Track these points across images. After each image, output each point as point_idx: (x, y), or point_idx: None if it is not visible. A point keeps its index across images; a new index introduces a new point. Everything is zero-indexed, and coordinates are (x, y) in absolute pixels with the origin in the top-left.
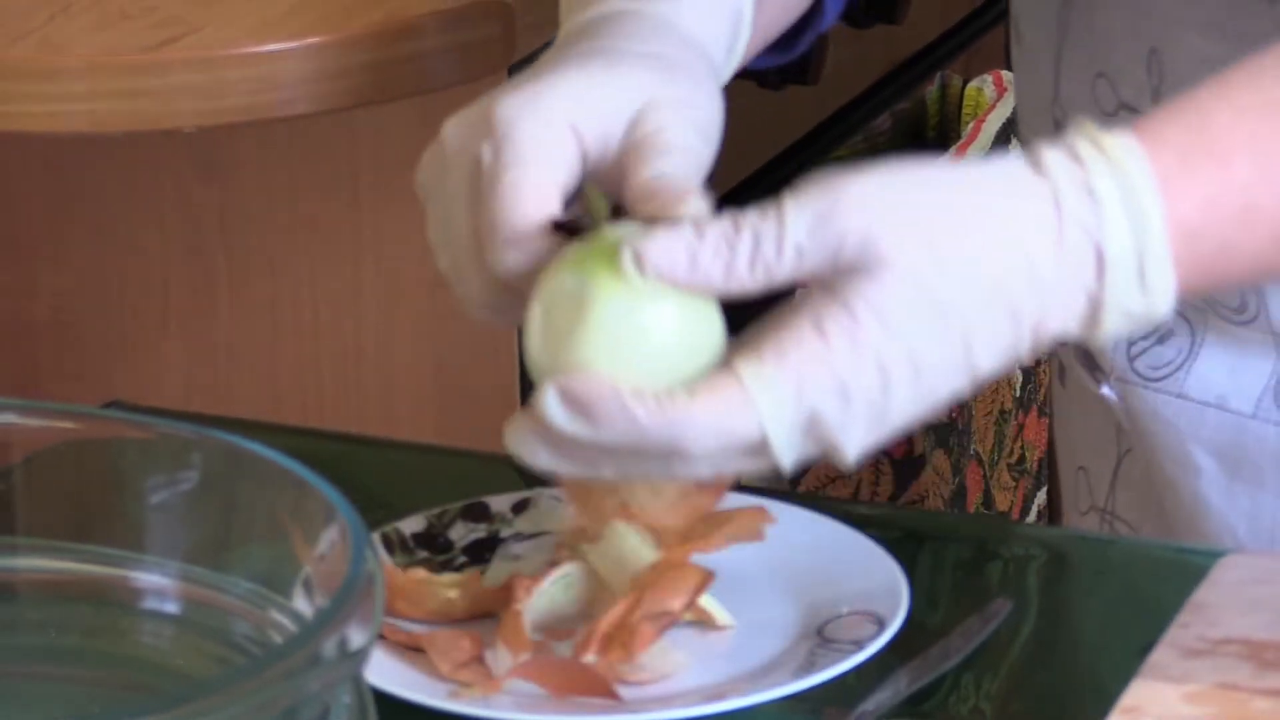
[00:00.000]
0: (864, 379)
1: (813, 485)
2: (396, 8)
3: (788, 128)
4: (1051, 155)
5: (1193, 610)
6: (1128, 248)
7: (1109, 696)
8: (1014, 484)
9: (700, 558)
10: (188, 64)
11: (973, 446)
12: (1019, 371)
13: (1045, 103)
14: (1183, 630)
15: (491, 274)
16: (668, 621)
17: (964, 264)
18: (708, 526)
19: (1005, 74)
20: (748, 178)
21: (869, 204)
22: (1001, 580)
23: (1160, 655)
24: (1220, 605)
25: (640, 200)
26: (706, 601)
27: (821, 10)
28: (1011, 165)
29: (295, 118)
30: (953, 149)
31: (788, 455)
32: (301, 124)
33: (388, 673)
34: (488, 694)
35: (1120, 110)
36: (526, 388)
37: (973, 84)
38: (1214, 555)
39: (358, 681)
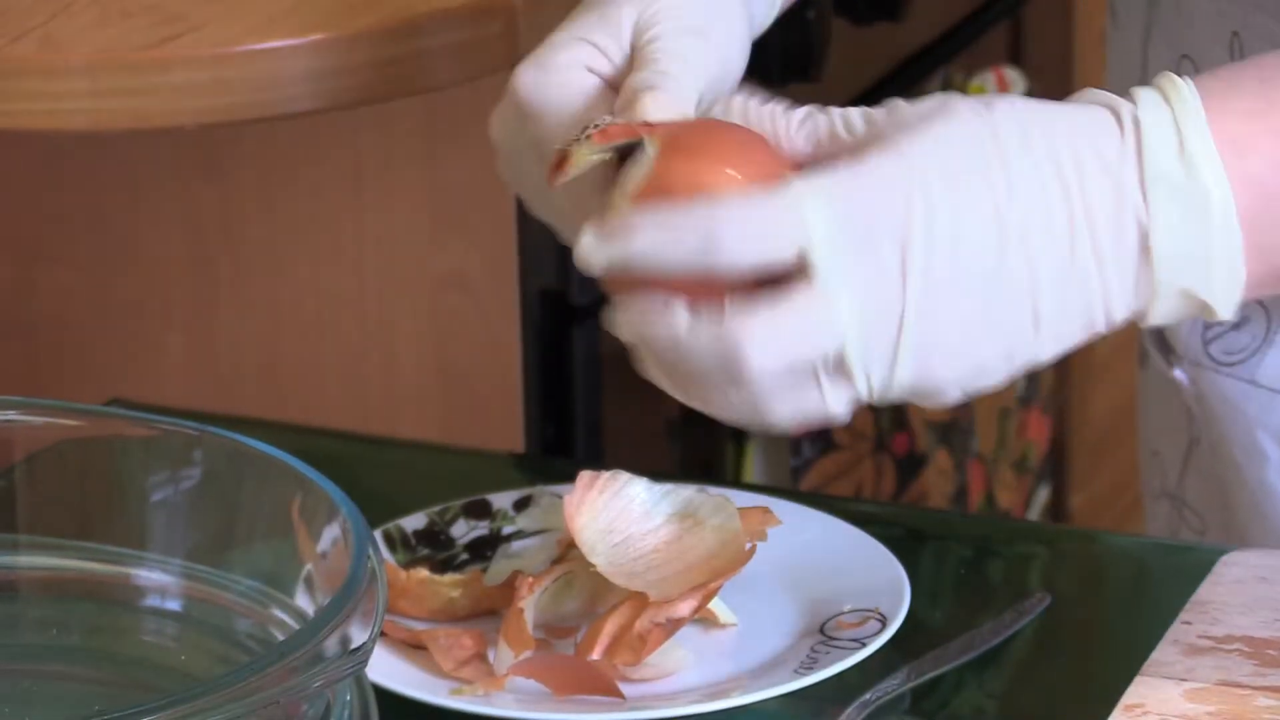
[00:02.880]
0: (928, 204)
1: (815, 484)
2: (399, 6)
3: None
4: (1118, 102)
5: (1195, 608)
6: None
7: (1111, 694)
8: (1016, 482)
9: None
10: (189, 62)
11: (975, 445)
12: None
13: (1134, 82)
14: (1185, 628)
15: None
16: (675, 626)
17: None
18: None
19: (1007, 71)
20: None
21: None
22: (1003, 578)
23: (1162, 653)
24: (1222, 603)
25: (620, 109)
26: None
27: None
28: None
29: (297, 116)
30: None
31: (860, 368)
32: (304, 122)
33: (390, 670)
34: (489, 691)
35: None
36: (528, 385)
37: (975, 81)
38: (1216, 553)
39: (360, 679)
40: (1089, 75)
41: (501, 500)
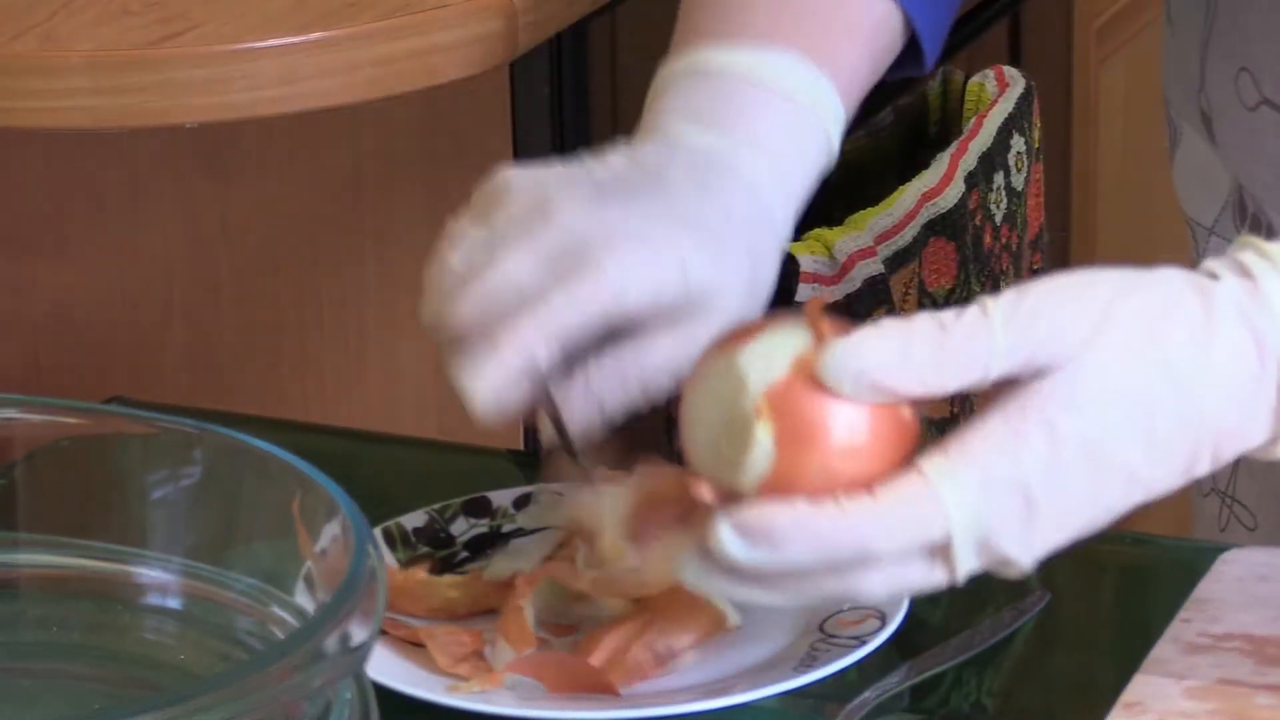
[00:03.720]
0: (1050, 476)
1: None
2: (399, 4)
3: None
4: (1219, 267)
5: (1195, 606)
6: None
7: (1111, 692)
8: None
9: None
10: (189, 59)
11: None
12: None
13: (1193, 92)
14: (1185, 626)
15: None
16: (670, 658)
17: (1157, 364)
18: None
19: (1007, 69)
20: None
21: (1066, 309)
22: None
23: (1162, 651)
24: (1222, 601)
25: None
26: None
27: (918, 56)
28: (1178, 276)
29: (297, 113)
30: (954, 144)
31: (966, 558)
32: (304, 119)
33: (389, 668)
34: (486, 688)
35: (1261, 105)
36: None
37: (975, 79)
38: (1216, 551)
39: (360, 677)
40: (1088, 74)
41: (501, 498)
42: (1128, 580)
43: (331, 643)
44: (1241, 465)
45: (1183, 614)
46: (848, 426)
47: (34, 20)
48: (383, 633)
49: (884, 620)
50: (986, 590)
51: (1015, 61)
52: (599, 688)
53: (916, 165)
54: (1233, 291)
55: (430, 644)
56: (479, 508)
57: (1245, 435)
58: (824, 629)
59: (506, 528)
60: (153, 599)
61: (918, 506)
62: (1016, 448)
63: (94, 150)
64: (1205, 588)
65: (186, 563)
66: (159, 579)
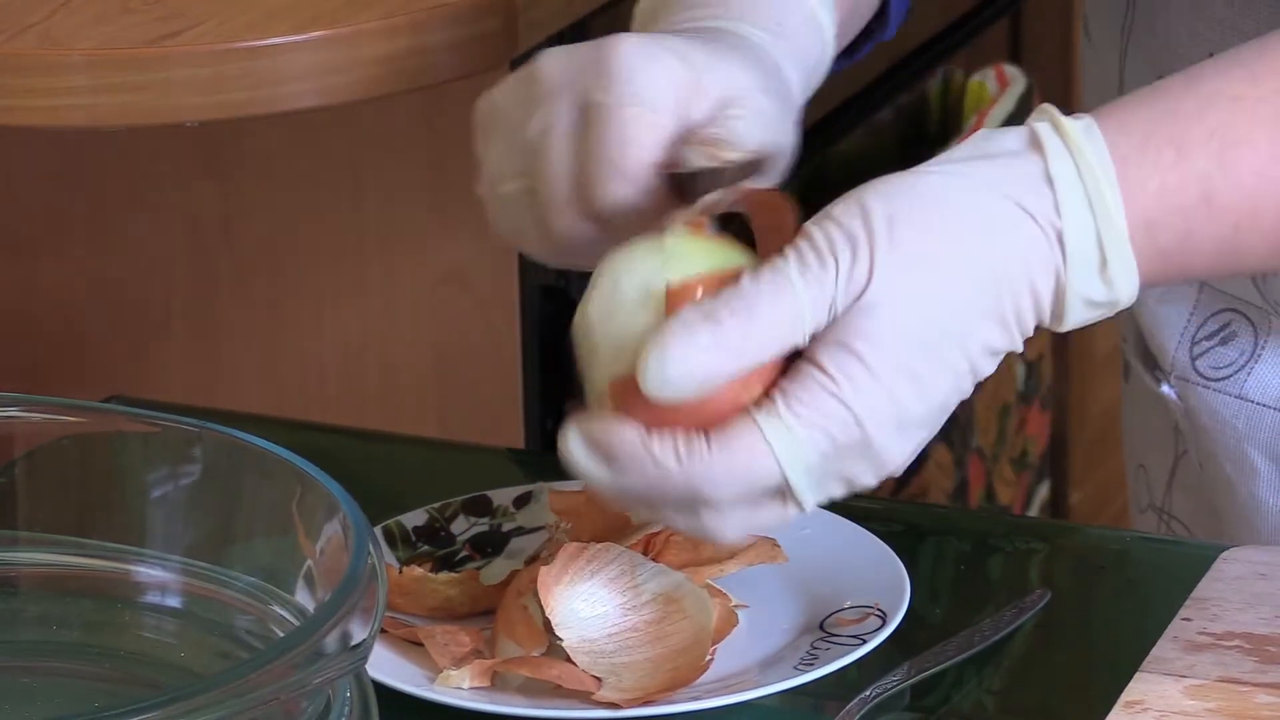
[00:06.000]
0: (872, 410)
1: None
2: (398, 3)
3: None
4: (1015, 142)
5: (1195, 604)
6: (1089, 237)
7: (1111, 690)
8: (1016, 478)
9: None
10: (190, 58)
11: (975, 440)
12: (1022, 365)
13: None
14: (1185, 624)
15: (585, 208)
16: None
17: (956, 280)
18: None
19: (1007, 68)
20: None
21: (851, 242)
22: (1003, 575)
23: (1162, 649)
24: (1222, 600)
25: (695, 143)
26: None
27: (885, 20)
28: (970, 165)
29: (297, 112)
30: (954, 142)
31: (809, 497)
32: (304, 118)
33: (389, 667)
34: (475, 683)
35: None
36: (528, 382)
37: (975, 78)
38: (1216, 549)
39: (360, 675)
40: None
41: (502, 497)
42: (1128, 579)
43: (331, 641)
44: (1176, 483)
45: (1183, 612)
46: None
47: (34, 18)
48: (383, 631)
49: (884, 619)
50: (987, 589)
51: (1015, 60)
52: (588, 686)
53: (917, 163)
54: (1025, 169)
55: (429, 644)
56: (479, 506)
57: (1044, 303)
58: (824, 627)
59: (507, 526)
60: (152, 597)
61: (748, 455)
62: (837, 386)
63: (94, 148)
64: (1205, 586)
65: (186, 561)
66: (159, 577)
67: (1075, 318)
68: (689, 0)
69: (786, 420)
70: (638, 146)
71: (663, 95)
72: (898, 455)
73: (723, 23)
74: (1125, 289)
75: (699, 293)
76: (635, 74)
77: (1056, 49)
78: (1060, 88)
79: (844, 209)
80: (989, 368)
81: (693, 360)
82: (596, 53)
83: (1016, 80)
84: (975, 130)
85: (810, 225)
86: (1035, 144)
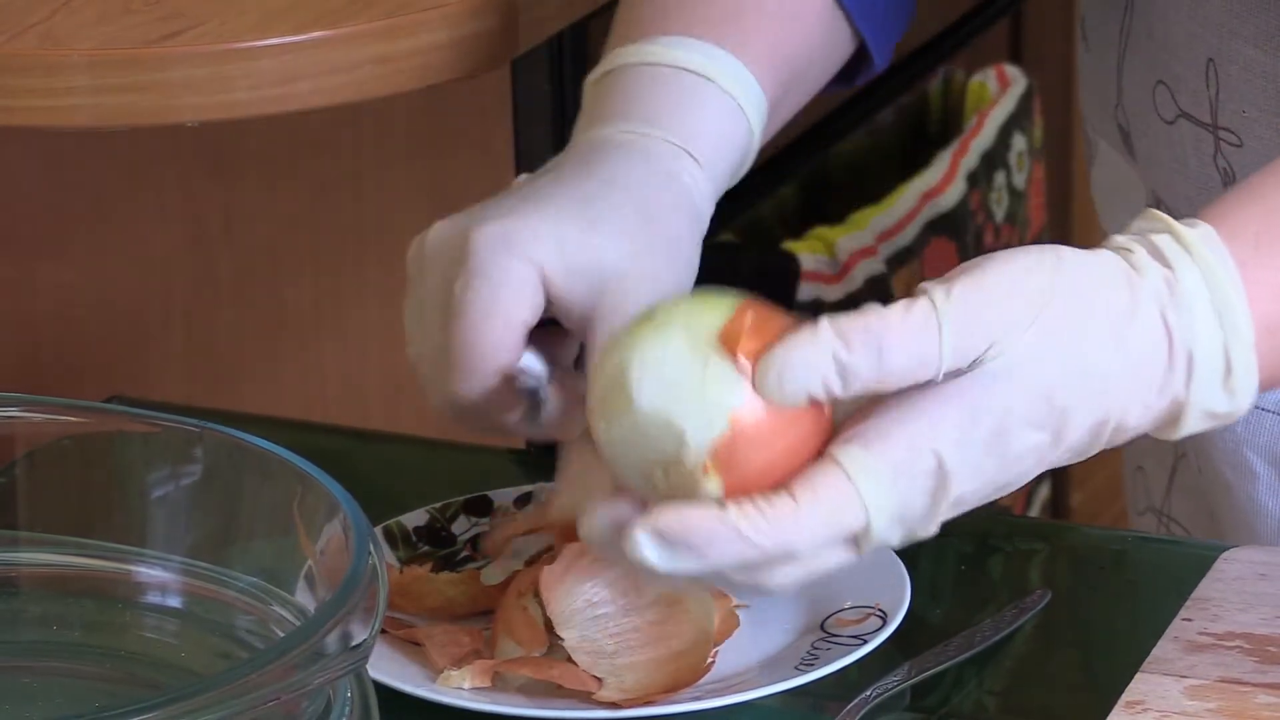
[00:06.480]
0: (962, 461)
1: None
2: (398, 3)
3: (791, 122)
4: (1141, 255)
5: (1195, 605)
6: (1216, 351)
7: (1112, 690)
8: None
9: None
10: (191, 58)
11: None
12: None
13: (1109, 107)
14: (1185, 625)
15: (444, 396)
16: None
17: (1074, 356)
18: None
19: (1008, 68)
20: (751, 172)
21: (1007, 303)
22: (1004, 575)
23: (1163, 649)
24: (1223, 600)
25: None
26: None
27: (867, 58)
28: (1111, 263)
29: (298, 112)
30: (955, 143)
31: (883, 543)
32: (304, 118)
33: (389, 666)
34: (476, 684)
35: (1180, 118)
36: None
37: (976, 78)
38: (1216, 550)
39: (361, 675)
40: None
41: (502, 497)
42: (1128, 579)
43: (332, 641)
44: (1175, 485)
45: (1183, 613)
46: (781, 438)
47: (35, 18)
48: (383, 632)
49: (885, 619)
50: (987, 589)
51: (1016, 61)
52: (589, 685)
53: (918, 164)
54: (1156, 285)
55: (429, 644)
56: (480, 506)
57: (1144, 423)
58: (825, 628)
59: None
60: (153, 597)
61: (838, 504)
62: (934, 436)
63: (94, 149)
64: (1206, 587)
65: (187, 561)
66: (159, 577)
67: (1192, 428)
68: (613, 110)
69: (874, 464)
70: (481, 351)
71: (512, 291)
72: (954, 510)
73: (635, 135)
74: (1246, 398)
75: (748, 320)
76: (485, 267)
77: (1057, 49)
78: (1060, 88)
79: (1005, 267)
80: (1068, 459)
81: (812, 373)
82: (462, 239)
83: (1017, 80)
84: (976, 131)
85: (974, 271)
86: (1157, 256)
